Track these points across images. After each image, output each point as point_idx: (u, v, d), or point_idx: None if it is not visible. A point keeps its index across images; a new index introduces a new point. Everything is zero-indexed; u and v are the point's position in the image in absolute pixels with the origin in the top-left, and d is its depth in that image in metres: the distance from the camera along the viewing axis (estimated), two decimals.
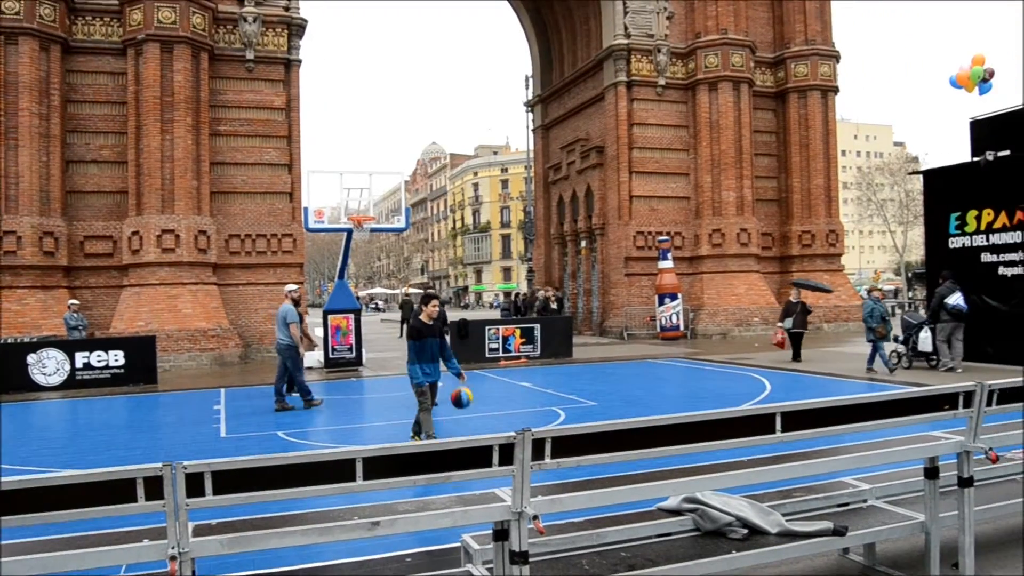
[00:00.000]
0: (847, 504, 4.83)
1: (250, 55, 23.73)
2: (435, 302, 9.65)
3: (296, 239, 24.16)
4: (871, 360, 16.23)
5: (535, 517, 3.36)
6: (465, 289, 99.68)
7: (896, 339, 17.50)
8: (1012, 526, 5.54)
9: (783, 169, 31.93)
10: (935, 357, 16.62)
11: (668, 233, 29.14)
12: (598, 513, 4.30)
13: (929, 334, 16.68)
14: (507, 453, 3.37)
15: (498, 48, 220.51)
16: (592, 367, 19.95)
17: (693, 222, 29.93)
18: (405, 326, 34.48)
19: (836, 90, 31.83)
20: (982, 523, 4.98)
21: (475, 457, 3.35)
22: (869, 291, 17.03)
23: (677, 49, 29.76)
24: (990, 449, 4.42)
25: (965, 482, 4.41)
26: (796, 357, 18.99)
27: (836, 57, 31.78)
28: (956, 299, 15.94)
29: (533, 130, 38.43)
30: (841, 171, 39.73)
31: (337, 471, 3.21)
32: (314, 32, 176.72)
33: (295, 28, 24.47)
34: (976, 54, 18.23)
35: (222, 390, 16.26)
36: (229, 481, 3.09)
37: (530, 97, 38.29)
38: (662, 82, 29.48)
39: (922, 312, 18.78)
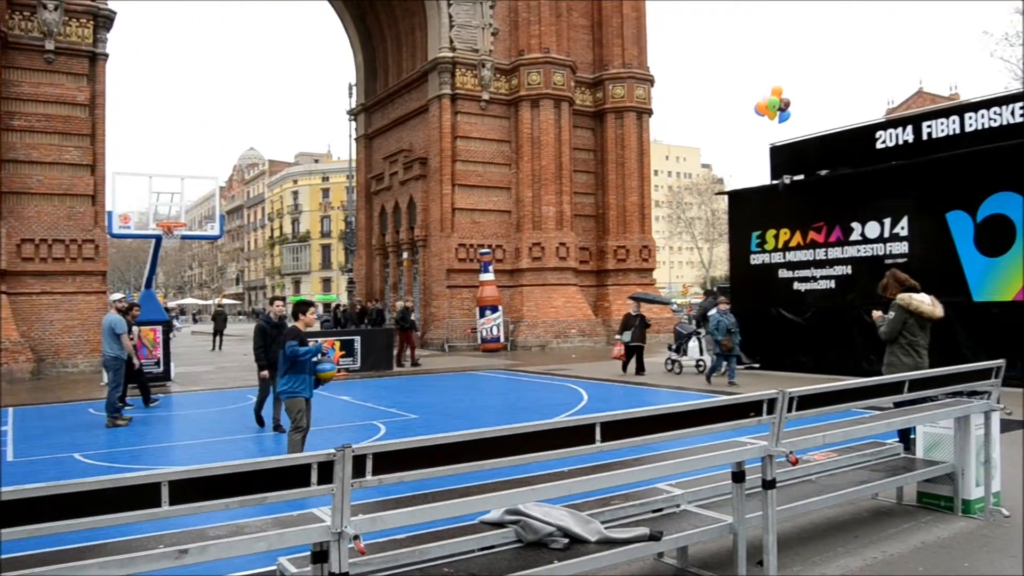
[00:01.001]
0: (661, 509, 5.00)
1: (50, 45, 21.91)
2: (312, 309, 9.14)
3: (99, 245, 22.51)
4: (712, 371, 16.39)
5: (356, 537, 3.24)
6: (283, 300, 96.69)
7: (669, 347, 19.39)
8: (809, 523, 5.93)
9: (600, 186, 33.09)
10: (702, 363, 18.33)
11: (490, 246, 29.50)
12: (422, 529, 4.22)
13: (697, 343, 18.78)
14: (326, 471, 3.22)
15: (321, 54, 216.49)
16: (413, 379, 19.82)
17: (514, 235, 30.45)
18: (219, 338, 33.32)
19: (650, 112, 33.36)
20: (784, 522, 5.29)
21: (292, 476, 3.18)
22: (717, 304, 16.77)
23: (501, 65, 30.27)
24: (791, 452, 4.69)
25: (769, 484, 4.65)
26: (639, 370, 18.63)
27: (651, 81, 33.32)
28: (716, 312, 17.79)
29: (356, 139, 37.91)
30: (654, 190, 41.72)
31: (140, 496, 2.92)
32: (125, 26, 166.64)
33: (102, 20, 22.87)
34: (775, 85, 19.63)
35: (9, 409, 14.82)
36: (15, 512, 2.75)
37: (353, 106, 37.78)
38: (486, 97, 29.87)
39: (693, 324, 20.10)
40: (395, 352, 22.42)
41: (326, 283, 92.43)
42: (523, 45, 30.27)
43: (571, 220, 30.82)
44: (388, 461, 3.39)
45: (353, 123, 38.17)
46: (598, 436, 4.02)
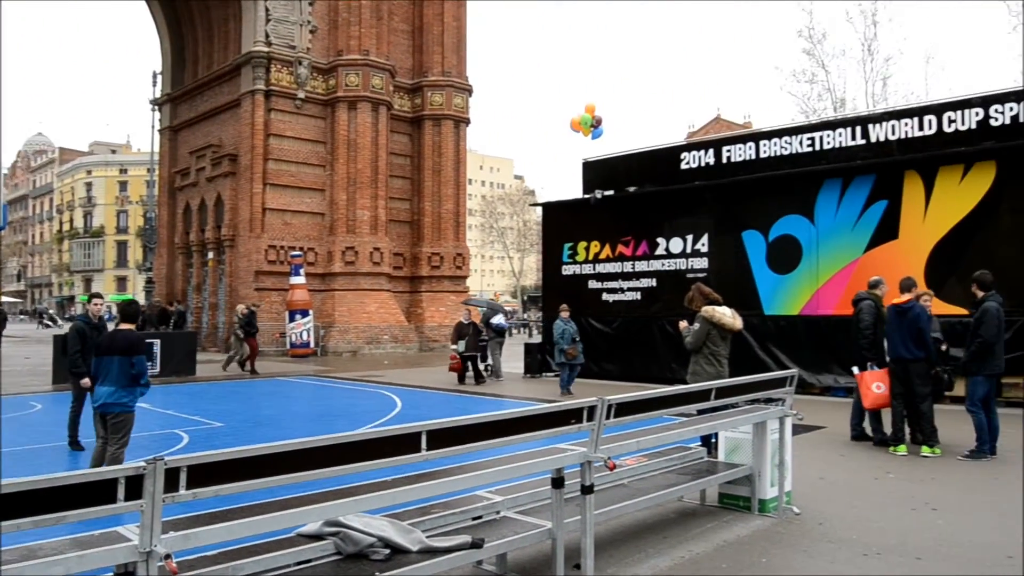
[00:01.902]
0: (482, 517, 5.00)
1: None
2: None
3: None
4: (567, 382, 15.85)
5: (167, 556, 3.00)
6: (71, 299, 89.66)
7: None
8: (621, 526, 6.13)
9: (416, 192, 33.02)
10: (490, 368, 19.25)
11: (301, 248, 28.74)
12: (235, 544, 3.99)
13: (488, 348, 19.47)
14: (135, 486, 2.96)
15: (124, 36, 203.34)
16: (218, 385, 18.93)
17: (327, 239, 29.82)
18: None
19: (468, 121, 33.68)
20: (599, 525, 5.43)
21: (97, 493, 2.89)
22: (559, 311, 16.23)
23: (319, 64, 29.61)
24: (608, 458, 4.82)
25: (587, 489, 4.75)
26: (477, 379, 18.01)
27: (469, 91, 33.65)
28: (499, 320, 19.25)
29: (160, 131, 35.81)
30: (468, 198, 42.11)
31: None
32: None
33: None
34: (588, 103, 20.33)
35: None
36: None
37: (158, 95, 35.67)
38: (302, 95, 29.11)
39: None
40: (243, 359, 21.20)
41: (121, 282, 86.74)
42: (342, 45, 29.76)
43: (386, 225, 30.57)
44: (204, 473, 3.17)
45: (157, 113, 36.03)
46: (424, 445, 3.96)
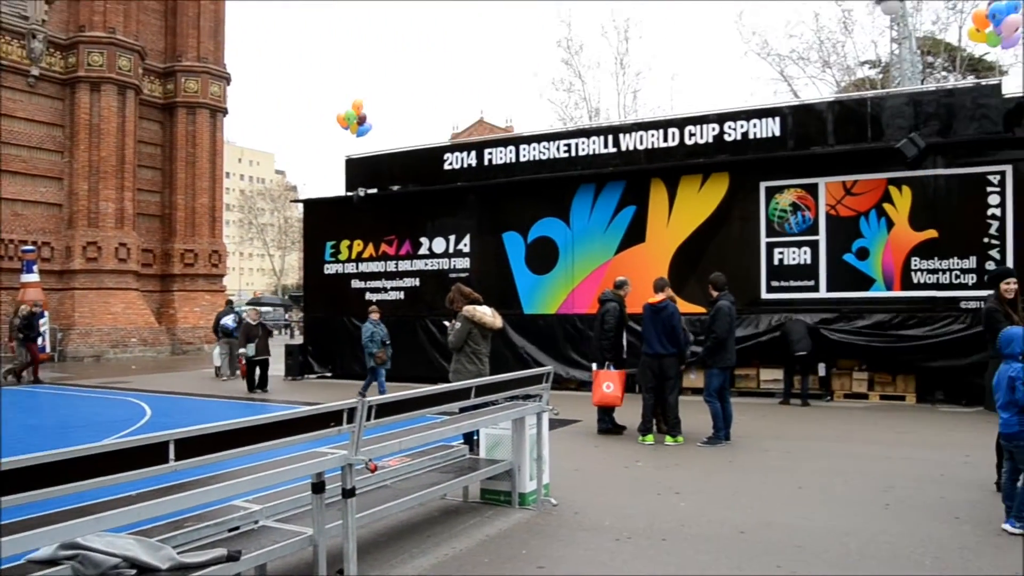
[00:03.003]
0: (239, 528, 4.79)
1: None
2: None
3: None
4: (366, 387, 15.08)
5: None
6: None
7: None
8: (386, 527, 6.10)
9: (168, 185, 31.11)
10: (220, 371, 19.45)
11: (35, 243, 26.14)
12: None
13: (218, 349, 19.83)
14: None
15: None
16: None
17: (66, 232, 27.39)
18: None
19: (225, 111, 32.22)
20: (362, 528, 5.37)
21: None
22: (369, 312, 15.22)
23: (57, 39, 27.08)
24: (370, 460, 4.78)
25: (348, 493, 4.68)
26: (262, 386, 16.51)
27: (227, 79, 32.20)
28: (228, 320, 19.25)
29: None
30: (225, 192, 40.27)
31: None
32: None
33: None
34: (355, 100, 20.06)
35: None
36: None
37: None
38: (36, 72, 26.51)
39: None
40: (21, 369, 18.76)
41: None
42: (84, 20, 27.41)
43: (134, 219, 28.55)
44: None
45: None
46: (172, 455, 3.72)
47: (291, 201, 55.83)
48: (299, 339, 29.28)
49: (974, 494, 7.12)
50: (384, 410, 4.98)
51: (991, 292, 7.77)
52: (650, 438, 10.02)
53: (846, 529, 6.11)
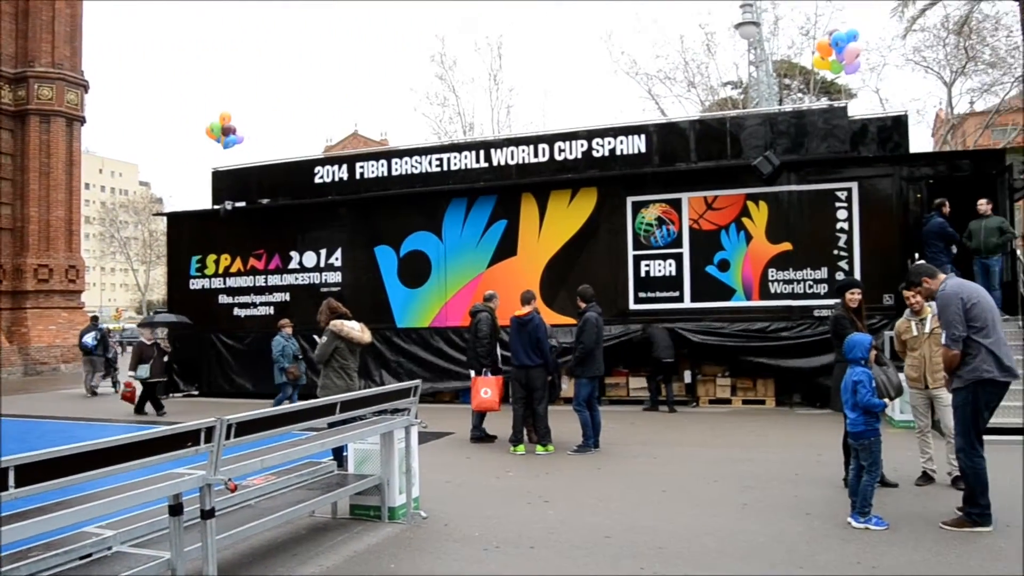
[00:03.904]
0: (91, 555, 4.59)
1: None
2: None
3: None
4: (278, 402, 13.53)
5: None
6: None
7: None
8: (250, 548, 5.96)
9: (20, 196, 29.29)
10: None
11: None
12: None
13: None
14: None
15: None
16: None
17: None
18: None
19: (83, 120, 30.71)
20: (225, 549, 5.23)
21: None
22: (279, 327, 14.40)
23: None
24: (229, 480, 4.66)
25: (207, 514, 4.56)
26: (158, 409, 15.20)
27: (85, 86, 30.70)
28: (87, 338, 19.22)
29: None
30: (85, 205, 38.37)
31: None
32: None
33: None
34: (223, 111, 19.49)
35: None
36: None
37: None
38: None
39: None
40: None
41: None
42: None
43: None
44: None
45: None
46: (12, 482, 3.54)
47: (154, 215, 53.57)
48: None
49: (825, 491, 7.54)
50: (245, 428, 4.88)
51: (838, 301, 8.25)
52: (521, 448, 10.15)
53: (706, 529, 6.36)
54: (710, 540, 6.06)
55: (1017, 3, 21.85)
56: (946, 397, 6.93)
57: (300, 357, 14.52)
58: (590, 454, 9.93)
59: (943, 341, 6.29)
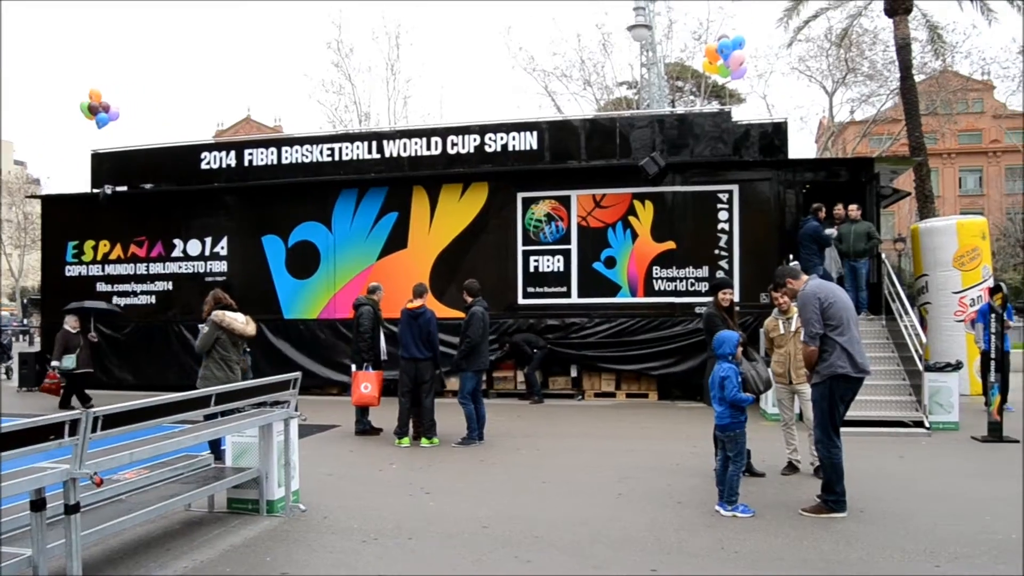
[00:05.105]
0: None
1: None
2: None
3: None
4: None
5: None
6: None
7: None
8: (121, 544, 5.81)
9: None
10: None
11: None
12: None
13: None
14: None
15: None
16: None
17: None
18: None
19: None
20: (93, 546, 5.09)
21: None
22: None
23: None
24: (95, 474, 4.55)
25: (71, 509, 4.44)
26: (84, 403, 13.91)
27: None
28: None
29: None
30: None
31: None
32: None
33: None
34: (93, 88, 18.62)
35: None
36: None
37: None
38: None
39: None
40: None
41: None
42: None
43: None
44: None
45: None
46: None
47: (27, 197, 50.92)
48: (38, 346, 26.83)
49: (697, 481, 7.86)
50: (113, 420, 4.76)
51: (711, 299, 8.60)
52: (406, 440, 10.18)
53: (582, 518, 6.55)
54: (585, 529, 6.24)
55: (892, 20, 23.06)
56: (808, 391, 7.32)
57: (248, 350, 13.81)
58: (474, 446, 10.05)
59: (802, 338, 6.67)
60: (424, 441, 10.16)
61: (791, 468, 8.24)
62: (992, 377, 10.48)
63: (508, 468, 8.80)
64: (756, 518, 6.47)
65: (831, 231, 13.79)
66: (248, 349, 13.79)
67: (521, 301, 15.08)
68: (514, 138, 15.40)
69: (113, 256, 17.35)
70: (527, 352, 14.53)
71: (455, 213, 15.43)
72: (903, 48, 22.79)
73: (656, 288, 14.67)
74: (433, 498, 7.36)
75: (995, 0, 24.96)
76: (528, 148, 15.33)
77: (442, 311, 13.97)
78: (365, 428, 10.94)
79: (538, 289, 15.11)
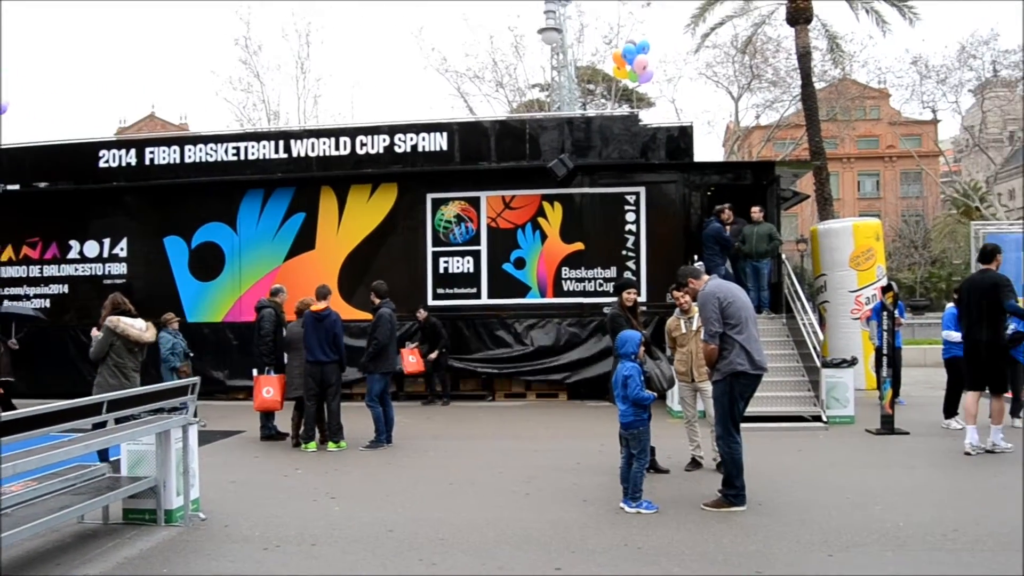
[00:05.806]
0: None
1: None
2: None
3: None
4: None
5: None
6: None
7: None
8: (10, 558, 5.54)
9: None
10: None
11: None
12: None
13: None
14: None
15: None
16: None
17: None
18: None
19: None
20: None
21: None
22: (165, 322, 12.93)
23: None
24: None
25: None
26: (7, 407, 12.30)
27: None
28: None
29: None
30: None
31: None
32: None
33: None
34: None
35: None
36: None
37: None
38: None
39: None
40: None
41: None
42: None
43: None
44: None
45: None
46: None
47: None
48: None
49: (603, 479, 7.96)
50: (9, 427, 4.56)
51: (616, 299, 8.73)
52: (312, 445, 10.04)
53: (488, 519, 6.57)
54: (490, 530, 6.26)
55: (794, 29, 23.88)
56: (709, 389, 7.50)
57: (191, 355, 13.33)
58: (382, 450, 9.98)
59: (703, 337, 6.84)
60: (331, 445, 10.04)
61: (694, 464, 8.43)
62: (884, 372, 10.90)
63: (415, 470, 8.76)
64: (660, 514, 6.59)
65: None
66: (191, 353, 13.43)
67: (431, 302, 15.00)
68: (424, 139, 15.33)
69: (3, 258, 16.58)
70: (441, 334, 14.29)
71: (364, 214, 15.29)
72: (804, 56, 23.61)
73: (565, 288, 14.83)
74: (338, 503, 7.28)
75: (890, 11, 26.21)
76: (438, 149, 15.28)
77: (350, 313, 13.85)
78: (271, 433, 10.75)
79: (448, 290, 15.09)
